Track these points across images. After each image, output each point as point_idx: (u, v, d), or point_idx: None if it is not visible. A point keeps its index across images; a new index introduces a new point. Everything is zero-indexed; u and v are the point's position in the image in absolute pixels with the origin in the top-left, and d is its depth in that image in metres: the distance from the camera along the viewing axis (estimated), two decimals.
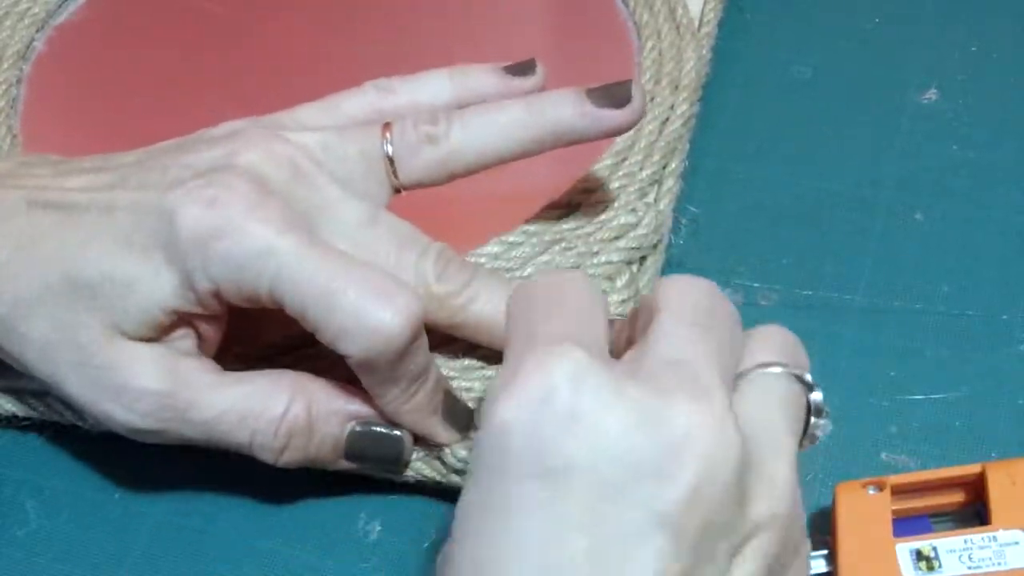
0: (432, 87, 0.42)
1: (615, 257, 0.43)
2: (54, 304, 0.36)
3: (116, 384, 0.36)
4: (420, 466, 0.39)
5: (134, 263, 0.36)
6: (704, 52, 0.50)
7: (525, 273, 0.43)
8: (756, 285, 0.45)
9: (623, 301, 0.42)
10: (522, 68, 0.42)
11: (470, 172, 0.40)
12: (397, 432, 0.38)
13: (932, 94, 0.50)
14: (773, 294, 0.45)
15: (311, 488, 0.40)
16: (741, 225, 0.47)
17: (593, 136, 0.41)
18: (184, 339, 0.37)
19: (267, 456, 0.38)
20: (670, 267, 0.45)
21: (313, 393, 0.38)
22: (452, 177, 0.40)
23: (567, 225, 0.44)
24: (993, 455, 0.40)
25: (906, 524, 0.36)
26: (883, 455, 0.40)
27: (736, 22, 0.53)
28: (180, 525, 0.40)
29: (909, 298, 0.44)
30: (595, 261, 0.43)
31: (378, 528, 0.40)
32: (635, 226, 0.44)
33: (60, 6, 0.55)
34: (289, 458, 0.38)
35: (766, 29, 0.54)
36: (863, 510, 0.36)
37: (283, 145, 0.38)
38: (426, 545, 0.39)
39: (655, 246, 0.44)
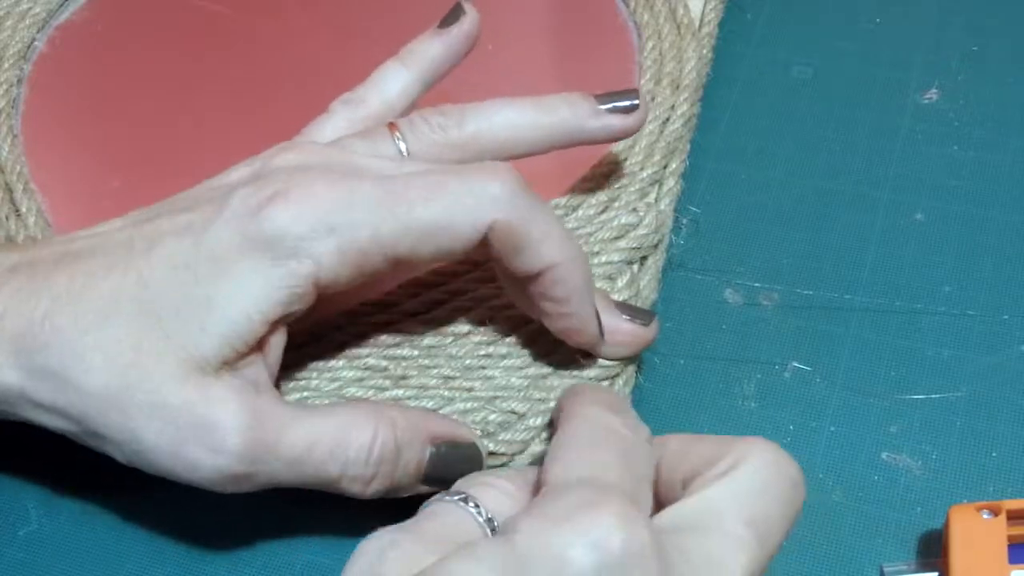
0: (393, 80, 0.42)
1: (616, 257, 0.43)
2: (116, 345, 0.35)
3: (200, 423, 0.35)
4: None
5: (216, 284, 0.35)
6: (705, 52, 0.50)
7: None
8: (756, 285, 0.45)
9: (624, 301, 0.42)
10: (452, 15, 0.44)
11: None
12: (473, 448, 0.38)
13: (933, 94, 0.51)
14: (773, 294, 0.45)
15: (311, 488, 0.40)
16: (742, 225, 0.47)
17: (601, 139, 0.42)
18: (254, 368, 0.36)
19: (356, 488, 0.37)
20: (671, 267, 0.45)
21: (394, 418, 0.37)
22: None
23: (568, 225, 0.44)
24: (993, 455, 0.40)
25: (1021, 551, 0.35)
26: (884, 455, 0.40)
27: (737, 22, 0.53)
28: (181, 525, 0.40)
29: (909, 298, 0.44)
30: (596, 261, 0.43)
31: (378, 528, 0.40)
32: (636, 226, 0.44)
33: (61, 6, 0.55)
34: (377, 487, 0.37)
35: (767, 29, 0.54)
36: (977, 534, 0.35)
37: (310, 145, 0.38)
38: None
39: (656, 246, 0.44)
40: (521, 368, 0.41)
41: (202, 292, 0.35)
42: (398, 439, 0.37)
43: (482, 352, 0.41)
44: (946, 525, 0.36)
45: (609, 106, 0.41)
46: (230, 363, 0.35)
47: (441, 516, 0.33)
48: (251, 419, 0.35)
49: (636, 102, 0.41)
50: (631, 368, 0.41)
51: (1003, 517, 0.35)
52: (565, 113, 0.41)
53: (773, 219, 0.47)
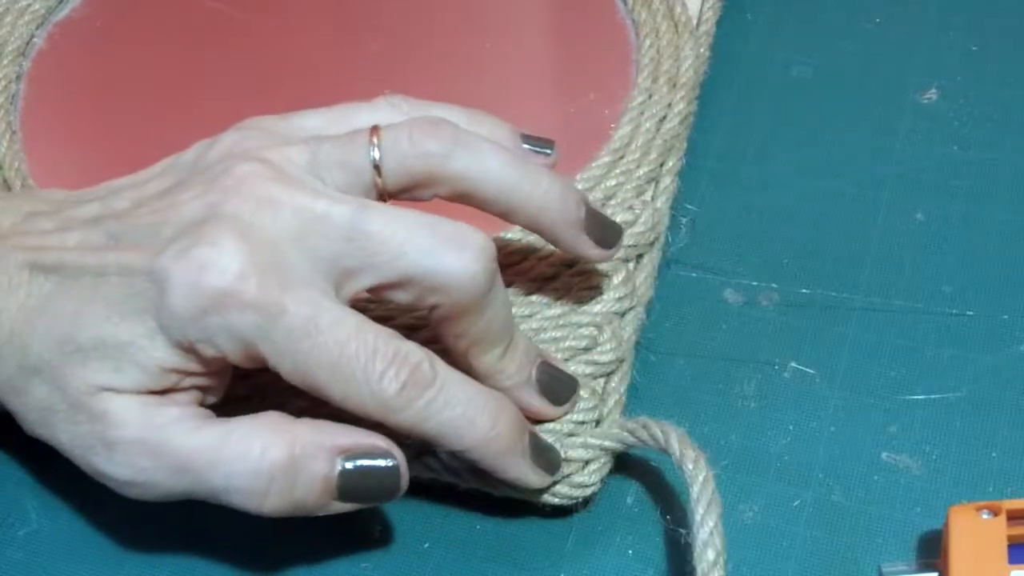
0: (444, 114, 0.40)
1: None
2: (50, 369, 0.36)
3: (98, 436, 0.35)
4: (415, 465, 0.39)
5: (127, 329, 0.35)
6: (702, 50, 0.50)
7: (522, 268, 0.43)
8: (756, 284, 0.45)
9: (619, 298, 0.42)
10: (540, 144, 0.41)
11: (451, 200, 0.38)
12: (392, 461, 0.36)
13: (932, 94, 0.51)
14: (773, 294, 0.45)
15: None
16: (741, 225, 0.47)
17: (566, 247, 0.40)
18: (186, 392, 0.36)
19: (249, 503, 0.35)
20: (671, 266, 0.45)
21: (295, 431, 0.35)
22: (434, 197, 0.38)
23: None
24: (993, 455, 0.40)
25: (1021, 551, 0.35)
26: (883, 455, 0.40)
27: (736, 22, 0.53)
28: (180, 525, 0.40)
29: (909, 298, 0.44)
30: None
31: (378, 528, 0.40)
32: (632, 223, 0.44)
33: (60, 3, 0.55)
34: (274, 505, 0.35)
35: (766, 29, 0.54)
36: (977, 534, 0.35)
37: (265, 170, 0.36)
38: (426, 545, 0.39)
39: (652, 244, 0.44)
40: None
41: (124, 337, 0.35)
42: (296, 453, 0.35)
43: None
44: (946, 525, 0.36)
45: (594, 228, 0.40)
46: (151, 391, 0.36)
47: None
48: (141, 433, 0.35)
49: (618, 242, 0.41)
50: (625, 366, 0.41)
51: (1003, 517, 0.35)
52: (552, 203, 0.38)
53: (773, 219, 0.47)
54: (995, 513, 0.35)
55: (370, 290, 0.36)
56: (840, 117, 0.50)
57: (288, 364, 0.35)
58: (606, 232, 0.40)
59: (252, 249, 0.34)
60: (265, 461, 0.35)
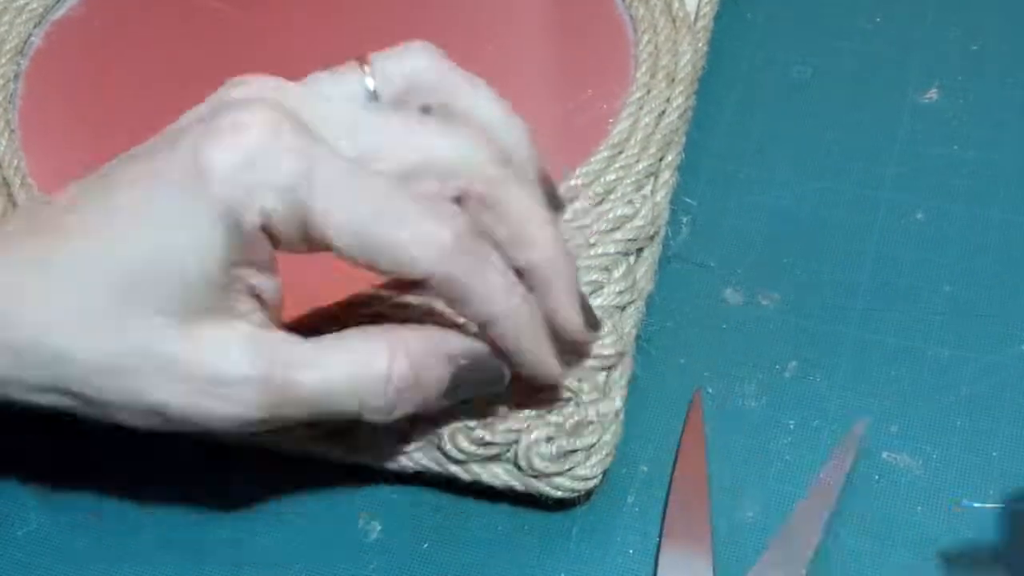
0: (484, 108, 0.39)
1: (612, 249, 0.43)
2: (103, 316, 0.33)
3: (210, 376, 0.33)
4: (419, 456, 0.39)
5: (174, 232, 0.33)
6: (700, 45, 0.50)
7: None
8: (756, 284, 0.45)
9: (620, 292, 0.42)
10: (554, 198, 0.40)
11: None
12: (495, 359, 0.37)
13: (933, 94, 0.50)
14: (773, 293, 0.45)
15: (310, 488, 0.40)
16: (741, 224, 0.47)
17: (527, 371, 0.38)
18: (252, 312, 0.35)
19: (379, 417, 0.36)
20: (671, 266, 0.45)
21: (408, 341, 0.36)
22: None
23: (564, 216, 0.44)
24: (994, 455, 0.40)
25: None
26: (884, 455, 0.40)
27: (736, 22, 0.53)
28: (180, 525, 0.40)
29: (909, 298, 0.44)
30: (592, 252, 0.43)
31: (378, 528, 0.40)
32: (632, 218, 0.44)
33: (58, 1, 0.55)
34: (401, 413, 0.36)
35: (766, 29, 0.53)
36: None
37: (273, 81, 0.36)
38: (426, 545, 0.39)
39: (652, 238, 0.44)
40: None
41: (161, 243, 0.33)
42: (414, 364, 0.35)
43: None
44: None
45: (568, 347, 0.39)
46: (224, 306, 0.34)
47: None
48: (261, 361, 0.34)
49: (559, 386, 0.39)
50: (626, 359, 0.41)
51: None
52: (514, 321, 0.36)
53: (773, 218, 0.47)
54: None
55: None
56: (840, 116, 0.50)
57: (337, 216, 0.33)
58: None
59: (278, 110, 0.34)
60: (393, 378, 0.35)
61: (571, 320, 0.38)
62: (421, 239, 0.34)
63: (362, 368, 0.35)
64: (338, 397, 0.35)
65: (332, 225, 0.33)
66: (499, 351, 0.37)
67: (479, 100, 0.38)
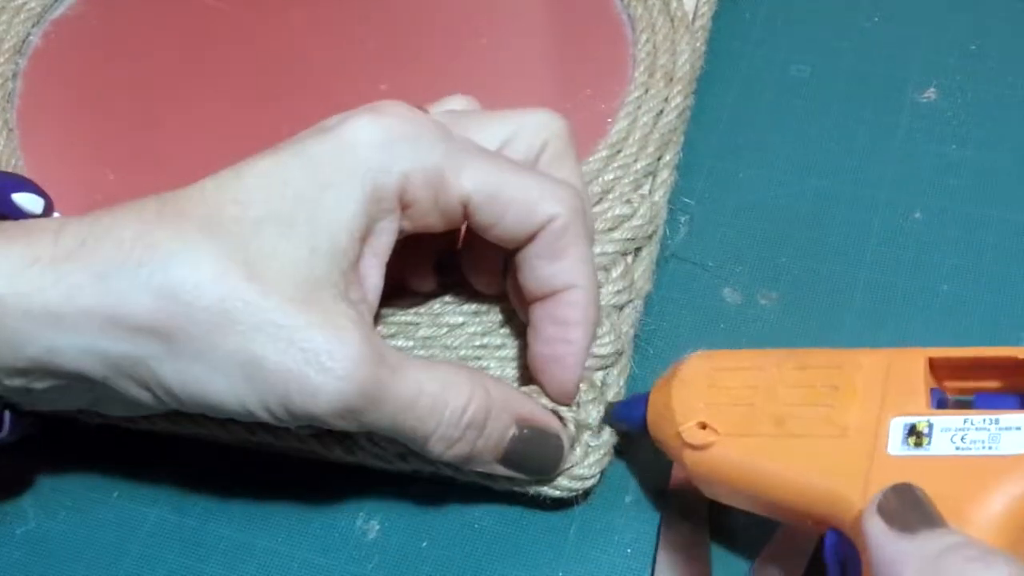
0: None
1: (610, 248, 0.43)
2: (225, 262, 0.33)
3: (326, 346, 0.33)
4: (415, 457, 0.39)
5: (321, 191, 0.35)
6: (699, 45, 0.50)
7: None
8: (755, 284, 0.45)
9: (618, 291, 0.42)
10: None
11: None
12: (559, 441, 0.38)
13: (931, 93, 0.51)
14: (772, 293, 0.45)
15: (309, 487, 0.40)
16: (740, 223, 0.47)
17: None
18: (361, 303, 0.36)
19: (440, 448, 0.36)
20: (667, 263, 0.45)
21: (488, 388, 0.37)
22: None
23: None
24: None
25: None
26: None
27: (735, 21, 0.53)
28: (179, 524, 0.40)
29: (907, 296, 0.44)
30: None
31: (376, 527, 0.40)
32: (630, 217, 0.44)
33: (56, 1, 0.55)
34: (459, 451, 0.37)
35: (765, 29, 0.54)
36: None
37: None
38: (424, 544, 0.39)
39: (650, 237, 0.44)
40: (515, 359, 0.41)
41: (305, 212, 0.34)
42: (489, 408, 0.36)
43: (477, 343, 0.41)
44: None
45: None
46: (340, 288, 0.35)
47: None
48: (373, 352, 0.34)
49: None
50: (624, 359, 0.41)
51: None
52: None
53: (771, 218, 0.47)
54: None
55: None
56: (838, 116, 0.50)
57: (473, 176, 0.37)
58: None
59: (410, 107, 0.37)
60: (468, 413, 0.36)
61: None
62: (550, 194, 0.37)
63: (447, 392, 0.36)
64: (421, 413, 0.35)
65: (468, 182, 0.36)
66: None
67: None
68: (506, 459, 0.37)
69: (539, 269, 0.38)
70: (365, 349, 0.34)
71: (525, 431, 0.37)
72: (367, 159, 0.35)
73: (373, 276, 0.37)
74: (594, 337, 0.39)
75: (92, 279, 0.33)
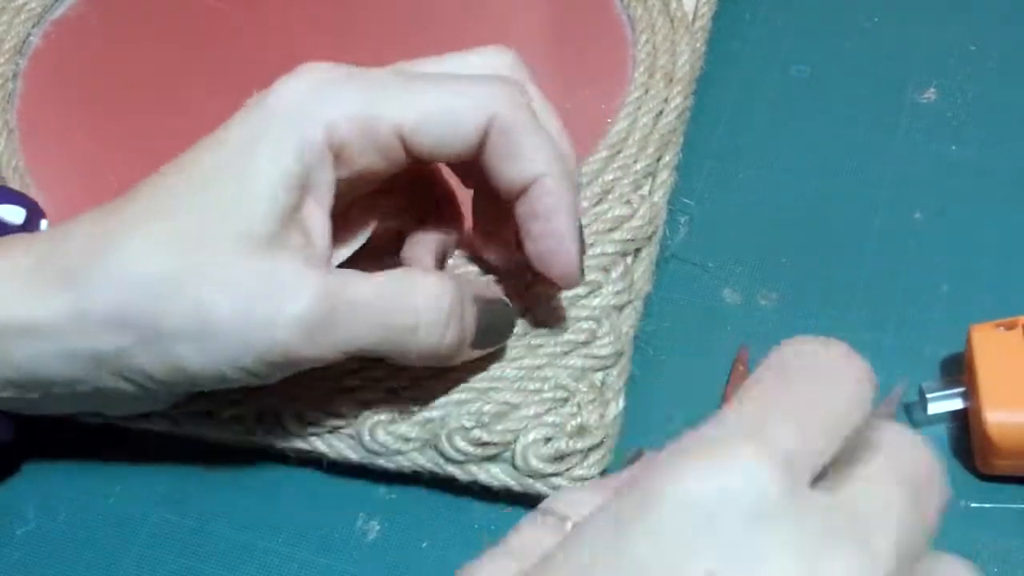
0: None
1: (610, 249, 0.43)
2: (171, 234, 0.35)
3: (273, 284, 0.35)
4: (417, 456, 0.39)
5: (251, 148, 0.36)
6: (698, 45, 0.50)
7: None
8: (755, 284, 0.45)
9: (618, 292, 0.42)
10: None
11: None
12: (509, 304, 0.40)
13: (931, 93, 0.51)
14: (772, 293, 0.45)
15: (309, 487, 0.40)
16: (739, 224, 0.47)
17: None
18: (305, 247, 0.36)
19: (433, 338, 0.37)
20: (666, 264, 0.45)
21: (450, 280, 0.38)
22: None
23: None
24: None
25: None
26: None
27: (734, 22, 0.53)
28: (178, 525, 0.40)
29: (907, 297, 0.44)
30: (590, 252, 0.43)
31: (376, 527, 0.40)
32: (630, 218, 0.44)
33: (56, 1, 0.55)
34: (451, 339, 0.38)
35: (764, 29, 0.54)
36: (997, 346, 0.39)
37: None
38: (424, 544, 0.39)
39: (650, 238, 0.44)
40: (516, 359, 0.41)
41: (235, 172, 0.36)
42: (459, 296, 0.38)
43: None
44: (968, 341, 0.40)
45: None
46: (279, 236, 0.36)
47: (530, 531, 0.31)
48: (316, 274, 0.35)
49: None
50: (624, 359, 0.41)
51: (1020, 330, 0.39)
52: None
53: (771, 218, 0.47)
54: (1010, 328, 0.39)
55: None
56: (838, 116, 0.50)
57: (404, 112, 0.37)
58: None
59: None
60: (444, 301, 0.37)
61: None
62: (484, 96, 0.37)
63: (413, 284, 0.37)
64: (396, 303, 0.37)
65: (397, 112, 0.37)
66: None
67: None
68: (477, 340, 0.39)
69: (501, 171, 0.38)
70: (309, 272, 0.35)
71: (483, 306, 0.39)
72: (291, 111, 0.36)
73: (318, 225, 0.37)
74: (577, 215, 0.39)
75: (60, 283, 0.35)
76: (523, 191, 0.38)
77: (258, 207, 0.35)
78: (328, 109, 0.36)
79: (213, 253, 0.35)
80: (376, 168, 0.38)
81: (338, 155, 0.37)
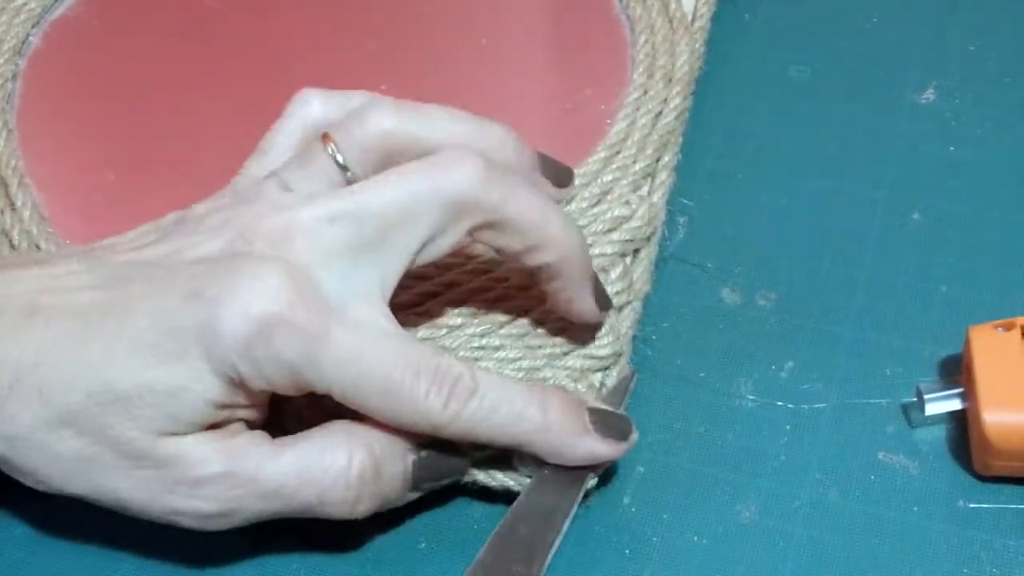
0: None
1: (609, 249, 0.43)
2: (85, 420, 0.34)
3: (175, 479, 0.35)
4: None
5: (173, 374, 0.34)
6: (697, 46, 0.50)
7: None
8: (754, 284, 0.45)
9: (617, 293, 0.42)
10: (557, 171, 0.43)
11: None
12: (456, 458, 0.38)
13: (930, 94, 0.51)
14: (771, 294, 0.45)
15: None
16: (739, 224, 0.47)
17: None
18: (232, 423, 0.36)
19: (343, 510, 0.36)
20: (665, 264, 0.45)
21: (370, 437, 0.36)
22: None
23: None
24: None
25: None
26: (880, 454, 0.40)
27: (734, 22, 0.53)
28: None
29: (906, 297, 0.44)
30: (590, 253, 0.43)
31: (376, 528, 0.40)
32: (628, 219, 0.44)
33: (56, 1, 0.55)
34: (365, 507, 0.36)
35: (764, 29, 0.54)
36: (995, 347, 0.39)
37: (262, 206, 0.36)
38: (423, 545, 0.39)
39: (649, 238, 0.44)
40: (515, 360, 0.41)
41: (173, 381, 0.34)
42: (376, 456, 0.36)
43: (476, 344, 0.41)
44: (967, 342, 0.39)
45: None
46: (202, 428, 0.35)
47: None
48: (225, 466, 0.35)
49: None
50: (623, 360, 0.41)
51: (1018, 331, 0.39)
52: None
53: (770, 219, 0.47)
54: (1008, 329, 0.39)
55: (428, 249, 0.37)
56: (838, 117, 0.50)
57: (337, 390, 0.35)
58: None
59: (292, 276, 0.34)
60: (353, 471, 0.36)
61: (588, 308, 0.40)
62: (423, 413, 0.36)
63: (320, 461, 0.36)
64: (295, 490, 0.36)
65: (333, 395, 0.35)
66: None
67: (444, 125, 0.39)
68: (417, 487, 0.38)
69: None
70: (215, 466, 0.35)
71: (423, 454, 0.37)
72: (230, 361, 0.34)
73: (251, 413, 0.36)
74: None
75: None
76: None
77: (180, 422, 0.35)
78: (269, 368, 0.34)
79: (124, 442, 0.35)
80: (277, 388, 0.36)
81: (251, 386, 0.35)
